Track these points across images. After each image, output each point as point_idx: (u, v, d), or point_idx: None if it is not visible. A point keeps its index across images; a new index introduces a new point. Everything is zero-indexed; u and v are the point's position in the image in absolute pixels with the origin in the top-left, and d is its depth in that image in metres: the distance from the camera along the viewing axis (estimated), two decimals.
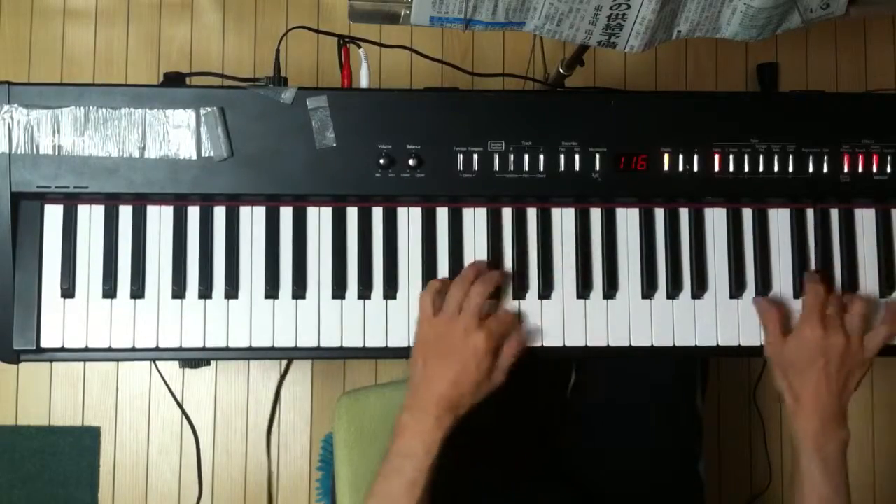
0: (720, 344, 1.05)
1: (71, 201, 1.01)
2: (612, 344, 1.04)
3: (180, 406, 1.77)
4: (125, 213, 1.02)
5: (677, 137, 1.04)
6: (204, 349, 1.02)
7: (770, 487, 1.83)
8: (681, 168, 1.04)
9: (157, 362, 1.72)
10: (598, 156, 1.03)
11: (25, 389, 1.87)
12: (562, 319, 1.04)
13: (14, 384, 1.87)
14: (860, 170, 1.05)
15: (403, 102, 1.03)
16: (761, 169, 1.05)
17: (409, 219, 1.05)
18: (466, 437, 1.17)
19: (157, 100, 1.00)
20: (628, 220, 1.06)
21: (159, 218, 1.02)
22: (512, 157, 1.03)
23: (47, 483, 1.85)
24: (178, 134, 0.99)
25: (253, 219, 1.03)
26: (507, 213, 1.06)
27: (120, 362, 1.84)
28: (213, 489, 1.87)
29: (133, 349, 1.01)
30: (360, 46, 1.14)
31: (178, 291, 1.01)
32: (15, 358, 1.00)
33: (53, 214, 1.01)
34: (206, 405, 1.88)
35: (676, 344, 1.05)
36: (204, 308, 1.02)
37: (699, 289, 1.05)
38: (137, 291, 1.01)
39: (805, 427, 0.97)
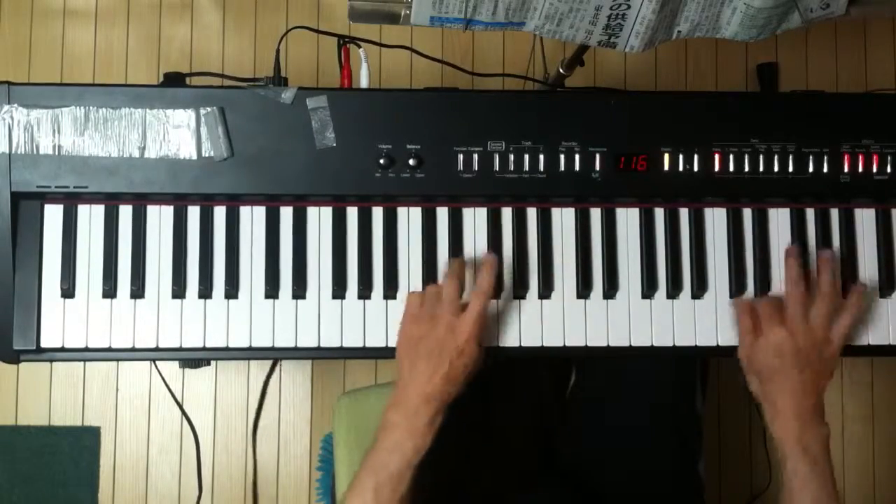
0: (720, 344, 1.05)
1: (71, 201, 1.01)
2: (612, 344, 1.04)
3: (180, 406, 1.77)
4: (125, 213, 1.02)
5: (677, 137, 1.04)
6: (204, 349, 1.02)
7: (770, 487, 1.83)
8: (681, 168, 1.04)
9: (157, 362, 1.72)
10: (598, 156, 1.03)
11: (25, 389, 1.87)
12: (562, 319, 1.04)
13: (14, 384, 1.87)
14: (860, 170, 1.05)
15: (403, 102, 1.03)
16: (761, 169, 1.05)
17: (409, 219, 1.05)
18: (466, 437, 1.17)
19: (157, 100, 1.00)
20: (628, 220, 1.06)
21: (159, 218, 1.02)
22: (512, 157, 1.03)
23: (47, 483, 1.85)
24: (178, 134, 0.99)
25: (253, 219, 1.03)
26: (507, 213, 1.06)
27: (120, 362, 1.84)
28: (213, 489, 1.87)
29: (133, 349, 1.01)
30: (360, 46, 1.14)
31: (178, 291, 1.01)
32: (15, 358, 1.00)
33: (53, 214, 1.01)
34: (206, 405, 1.88)
35: (676, 344, 1.05)
36: (204, 308, 1.02)
37: (699, 289, 1.05)
38: (137, 291, 1.01)
39: (786, 430, 0.97)
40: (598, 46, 1.01)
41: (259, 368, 1.88)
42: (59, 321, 1.00)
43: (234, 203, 1.03)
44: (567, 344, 1.04)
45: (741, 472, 1.88)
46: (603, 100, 1.06)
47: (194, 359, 1.06)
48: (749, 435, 1.88)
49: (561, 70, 1.60)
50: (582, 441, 1.22)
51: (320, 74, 1.93)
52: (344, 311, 1.03)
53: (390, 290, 1.03)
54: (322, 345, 1.02)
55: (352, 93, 1.07)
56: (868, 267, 1.08)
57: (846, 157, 1.05)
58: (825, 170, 1.05)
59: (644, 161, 1.04)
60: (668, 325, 1.05)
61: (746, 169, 1.04)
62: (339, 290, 1.03)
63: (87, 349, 1.01)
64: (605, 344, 1.04)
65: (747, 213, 1.07)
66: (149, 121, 0.99)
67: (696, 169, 1.04)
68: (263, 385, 1.85)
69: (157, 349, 1.01)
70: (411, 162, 1.01)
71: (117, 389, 1.88)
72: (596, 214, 1.06)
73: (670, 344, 1.05)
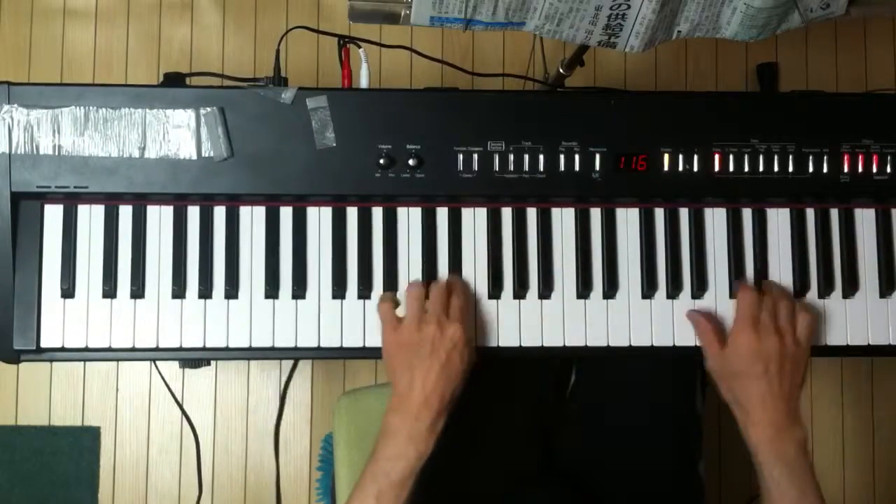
0: None
1: (71, 201, 1.01)
2: (612, 344, 1.04)
3: (180, 406, 1.77)
4: (125, 213, 1.02)
5: (677, 137, 1.04)
6: (204, 349, 1.02)
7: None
8: (681, 168, 1.04)
9: (157, 362, 1.72)
10: (598, 156, 1.03)
11: (25, 389, 1.87)
12: (562, 319, 1.04)
13: (14, 384, 1.87)
14: (860, 170, 1.05)
15: (403, 102, 1.03)
16: (761, 169, 1.05)
17: (409, 219, 1.05)
18: (466, 438, 1.17)
19: (157, 100, 1.00)
20: (628, 220, 1.06)
21: (159, 218, 1.02)
22: (512, 157, 1.03)
23: (47, 483, 1.85)
24: (178, 134, 0.99)
25: (253, 219, 1.03)
26: (507, 213, 1.06)
27: (120, 362, 1.84)
28: (213, 489, 1.87)
29: (133, 349, 1.01)
30: (360, 46, 1.14)
31: (178, 291, 1.01)
32: (15, 358, 1.00)
33: (53, 214, 1.01)
34: (206, 405, 1.88)
35: (676, 344, 1.05)
36: (204, 308, 1.02)
37: (699, 289, 1.05)
38: (137, 291, 1.01)
39: (760, 437, 0.97)
40: (598, 46, 1.01)
41: (259, 368, 1.88)
42: (59, 321, 1.00)
43: (234, 203, 1.03)
44: (567, 344, 1.04)
45: (741, 472, 1.88)
46: (603, 100, 1.06)
47: (194, 359, 1.05)
48: None
49: (561, 70, 1.60)
50: (582, 441, 1.22)
51: (320, 74, 1.93)
52: (344, 311, 1.03)
53: (390, 291, 1.03)
54: (322, 345, 1.02)
55: (352, 93, 1.07)
56: (868, 267, 1.08)
57: (846, 157, 1.05)
58: (825, 170, 1.05)
59: (644, 161, 1.04)
60: (668, 325, 1.05)
61: (746, 169, 1.04)
62: (339, 291, 1.03)
63: (87, 349, 1.01)
64: (605, 344, 1.04)
65: (747, 213, 1.07)
66: (149, 121, 0.99)
67: (696, 169, 1.04)
68: (284, 388, 1.85)
69: (157, 349, 1.01)
70: (411, 162, 1.01)
71: (117, 389, 1.88)
72: (596, 214, 1.06)
73: (670, 344, 1.05)
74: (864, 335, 1.07)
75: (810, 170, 1.05)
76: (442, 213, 1.05)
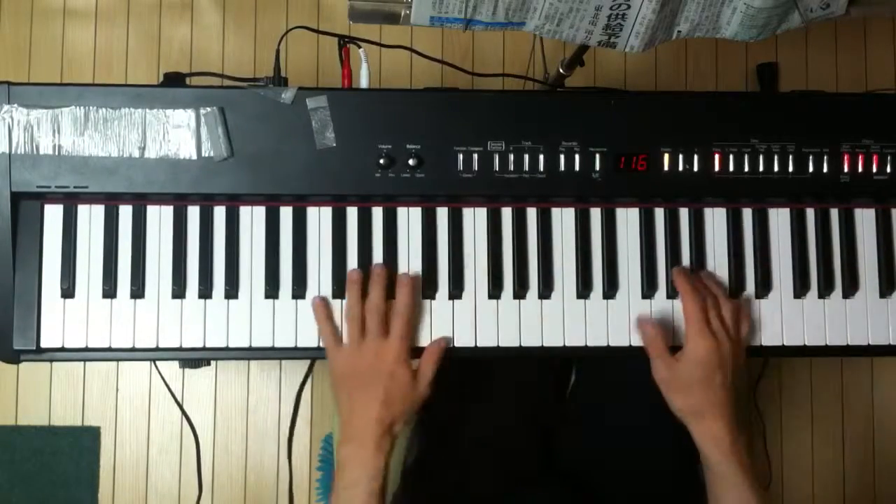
0: None
1: (71, 201, 1.01)
2: (612, 344, 1.04)
3: (180, 406, 1.77)
4: (125, 212, 1.02)
5: (677, 137, 1.04)
6: (204, 349, 1.02)
7: (770, 487, 1.83)
8: (681, 168, 1.04)
9: (157, 362, 1.72)
10: (598, 156, 1.03)
11: (25, 389, 1.87)
12: (562, 319, 1.04)
13: (14, 384, 1.87)
14: (860, 170, 1.05)
15: (403, 102, 1.03)
16: (761, 169, 1.05)
17: (409, 219, 1.05)
18: (466, 438, 1.17)
19: (157, 100, 1.00)
20: (628, 220, 1.06)
21: (159, 218, 1.02)
22: (512, 157, 1.03)
23: (47, 483, 1.85)
24: (178, 134, 0.99)
25: (253, 219, 1.03)
26: (507, 213, 1.06)
27: (120, 362, 1.84)
28: (213, 489, 1.87)
29: (133, 349, 1.01)
30: (360, 46, 1.14)
31: (178, 291, 1.01)
32: (15, 358, 1.00)
33: (53, 214, 1.01)
34: (206, 405, 1.88)
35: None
36: (204, 308, 1.02)
37: None
38: (137, 291, 1.01)
39: (718, 440, 0.97)
40: (598, 46, 1.01)
41: (259, 368, 1.88)
42: (59, 321, 1.00)
43: (233, 203, 1.03)
44: (567, 344, 1.04)
45: None
46: (603, 100, 1.06)
47: (194, 359, 1.05)
48: (749, 435, 1.88)
49: (561, 70, 1.60)
50: (582, 441, 1.22)
51: (320, 74, 1.93)
52: (344, 311, 1.03)
53: (390, 290, 1.03)
54: (322, 345, 1.02)
55: (352, 93, 1.07)
56: (868, 267, 1.08)
57: (846, 157, 1.05)
58: (825, 170, 1.05)
59: (644, 161, 1.04)
60: (667, 324, 1.05)
61: (746, 169, 1.04)
62: (339, 290, 1.03)
63: (87, 349, 1.01)
64: (605, 344, 1.04)
65: (747, 213, 1.07)
66: (149, 121, 0.99)
67: (696, 169, 1.04)
68: (298, 392, 1.85)
69: (157, 349, 1.01)
70: (411, 162, 1.01)
71: (117, 389, 1.88)
72: (596, 214, 1.06)
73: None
74: (864, 335, 1.07)
75: (810, 170, 1.05)
76: (442, 213, 1.05)
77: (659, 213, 1.07)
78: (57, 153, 0.98)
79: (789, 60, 2.01)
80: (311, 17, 1.96)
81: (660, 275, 1.06)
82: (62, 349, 1.00)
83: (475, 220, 1.05)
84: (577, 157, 1.03)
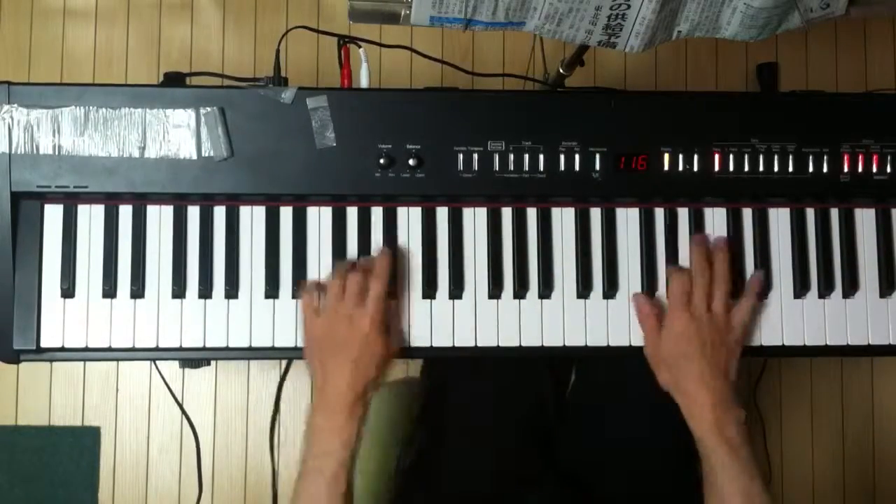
0: None
1: (71, 201, 1.01)
2: (612, 344, 1.04)
3: (180, 406, 1.77)
4: (125, 212, 1.02)
5: (677, 137, 1.04)
6: (204, 349, 1.02)
7: (770, 486, 1.83)
8: (681, 168, 1.04)
9: (157, 362, 1.72)
10: (598, 156, 1.03)
11: (25, 389, 1.87)
12: (562, 319, 1.04)
13: (14, 384, 1.87)
14: (860, 170, 1.05)
15: (403, 102, 1.03)
16: (761, 169, 1.05)
17: (409, 219, 1.05)
18: (466, 437, 1.17)
19: (157, 100, 1.00)
20: (628, 220, 1.06)
21: (159, 218, 1.02)
22: (512, 157, 1.03)
23: (47, 483, 1.85)
24: (178, 134, 0.99)
25: (253, 219, 1.03)
26: (507, 213, 1.06)
27: (120, 362, 1.84)
28: (213, 489, 1.87)
29: (133, 349, 1.01)
30: (360, 46, 1.14)
31: (178, 291, 1.01)
32: (15, 358, 1.00)
33: (53, 214, 1.01)
34: (206, 405, 1.88)
35: None
36: (204, 308, 1.02)
37: None
38: (137, 291, 1.01)
39: (702, 418, 0.97)
40: (598, 46, 1.01)
41: (259, 368, 1.88)
42: (59, 321, 1.00)
43: (233, 203, 1.03)
44: (567, 344, 1.04)
45: None
46: (603, 100, 1.06)
47: (194, 359, 1.06)
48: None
49: (561, 70, 1.60)
50: (582, 441, 1.22)
51: (320, 74, 1.93)
52: None
53: (391, 290, 1.03)
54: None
55: (352, 93, 1.07)
56: (868, 267, 1.08)
57: (846, 157, 1.05)
58: (825, 170, 1.05)
59: (644, 161, 1.04)
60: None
61: (746, 169, 1.04)
62: None
63: (87, 349, 1.01)
64: (605, 344, 1.04)
65: (747, 213, 1.07)
66: (149, 121, 0.99)
67: (696, 169, 1.04)
68: (278, 388, 1.85)
69: (157, 349, 1.01)
70: (411, 162, 1.01)
71: (117, 389, 1.87)
72: (596, 214, 1.06)
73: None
74: (864, 335, 1.07)
75: (810, 170, 1.05)
76: (442, 213, 1.05)
77: (659, 213, 1.07)
78: (57, 153, 0.98)
79: (789, 60, 2.00)
80: (311, 17, 1.96)
81: (660, 275, 1.06)
82: (62, 349, 1.00)
83: (475, 219, 1.05)
84: (577, 156, 1.03)
